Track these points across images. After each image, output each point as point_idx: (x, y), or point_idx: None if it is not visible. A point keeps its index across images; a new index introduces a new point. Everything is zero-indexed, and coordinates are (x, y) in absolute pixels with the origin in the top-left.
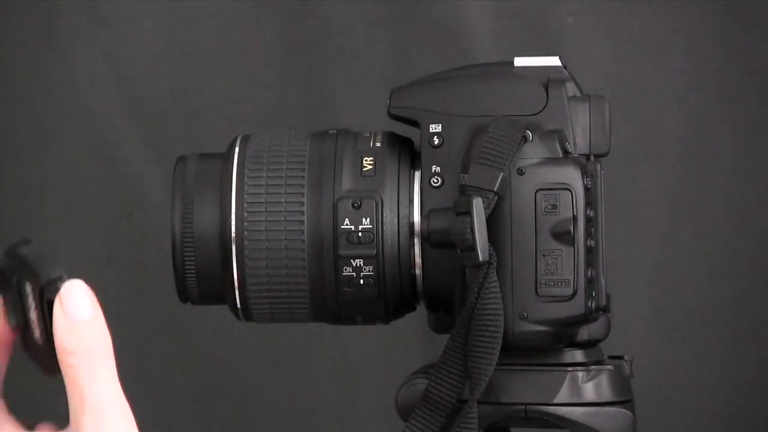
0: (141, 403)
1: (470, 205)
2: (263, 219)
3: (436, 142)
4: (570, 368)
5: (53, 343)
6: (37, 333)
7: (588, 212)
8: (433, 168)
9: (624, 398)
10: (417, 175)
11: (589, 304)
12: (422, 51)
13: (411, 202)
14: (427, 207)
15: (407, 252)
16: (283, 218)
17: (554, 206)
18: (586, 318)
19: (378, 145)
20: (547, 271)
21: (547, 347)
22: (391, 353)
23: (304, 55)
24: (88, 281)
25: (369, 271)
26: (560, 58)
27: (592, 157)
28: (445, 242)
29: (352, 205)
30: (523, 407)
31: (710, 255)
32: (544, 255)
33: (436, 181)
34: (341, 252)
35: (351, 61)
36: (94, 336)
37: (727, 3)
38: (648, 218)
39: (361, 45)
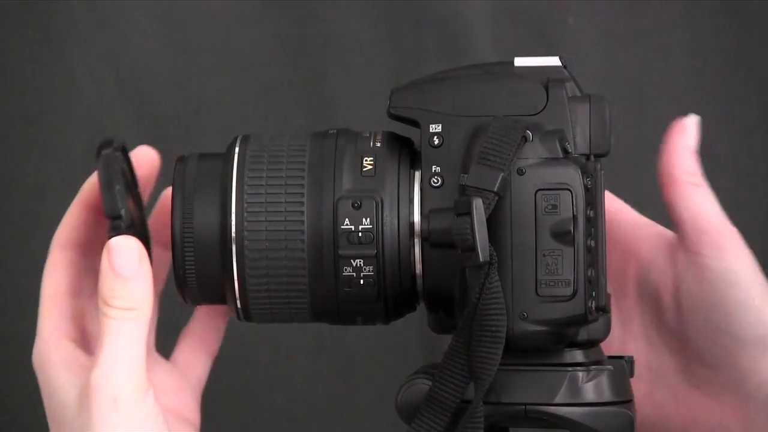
0: None
1: (470, 205)
2: (263, 219)
3: (436, 142)
4: (570, 368)
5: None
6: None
7: (588, 212)
8: (433, 168)
9: (624, 398)
10: (417, 175)
11: (589, 304)
12: (422, 51)
13: (411, 202)
14: (427, 207)
15: (407, 252)
16: (283, 218)
17: (554, 206)
18: (586, 318)
19: (378, 145)
20: (547, 271)
21: (547, 347)
22: (391, 353)
23: (304, 55)
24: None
25: (369, 271)
26: (560, 58)
27: (592, 157)
28: (445, 242)
29: (352, 205)
30: (523, 407)
31: None
32: (544, 255)
33: (436, 181)
34: (341, 252)
35: (351, 61)
36: (132, 293)
37: (727, 3)
38: (648, 218)
39: (361, 45)
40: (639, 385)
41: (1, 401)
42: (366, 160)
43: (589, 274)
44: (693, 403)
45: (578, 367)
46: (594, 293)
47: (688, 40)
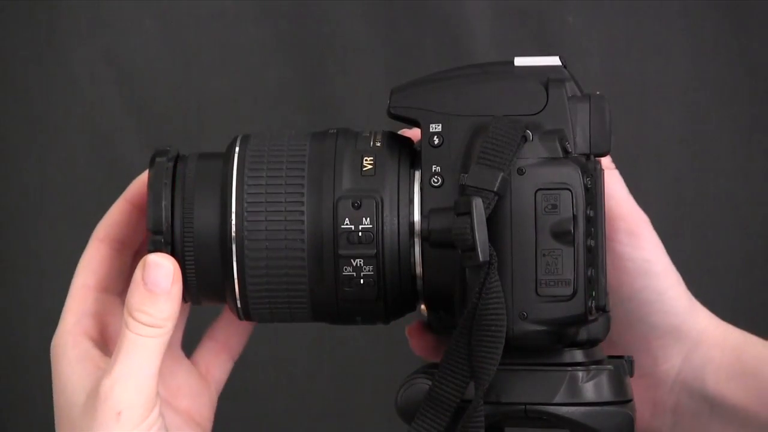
0: None
1: (470, 205)
2: (263, 219)
3: (436, 141)
4: (570, 368)
5: None
6: None
7: (588, 212)
8: (433, 168)
9: (624, 398)
10: (417, 174)
11: (589, 303)
12: (422, 51)
13: (411, 201)
14: (427, 207)
15: (407, 252)
16: (283, 218)
17: (554, 206)
18: (586, 318)
19: (378, 144)
20: (547, 271)
21: (547, 347)
22: (391, 353)
23: (304, 55)
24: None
25: (369, 271)
26: (560, 58)
27: (592, 157)
28: (445, 242)
29: (352, 204)
30: (523, 407)
31: (710, 255)
32: (544, 255)
33: (436, 180)
34: (341, 252)
35: (351, 61)
36: (159, 311)
37: (727, 3)
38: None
39: (361, 45)
40: None
41: (1, 401)
42: (366, 160)
43: (589, 273)
44: None
45: (578, 367)
46: (594, 293)
47: (688, 40)
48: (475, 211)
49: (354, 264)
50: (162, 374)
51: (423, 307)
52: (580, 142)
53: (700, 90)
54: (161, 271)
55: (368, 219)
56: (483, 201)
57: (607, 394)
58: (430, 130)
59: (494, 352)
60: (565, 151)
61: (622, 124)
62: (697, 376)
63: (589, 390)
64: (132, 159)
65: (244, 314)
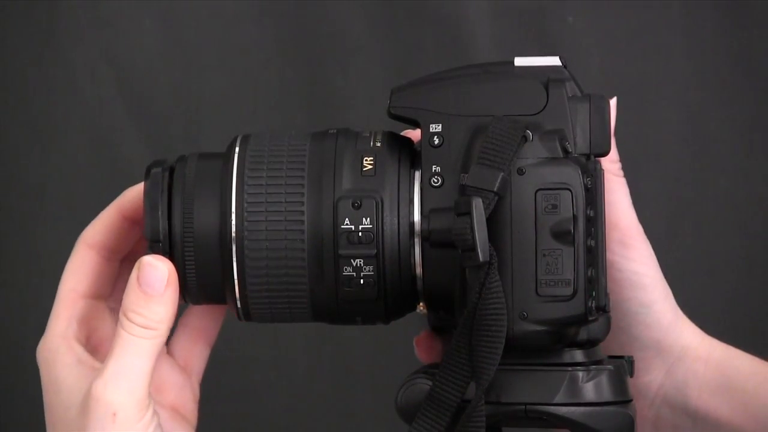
0: None
1: (470, 205)
2: (263, 219)
3: (437, 141)
4: (570, 368)
5: None
6: None
7: (588, 212)
8: (433, 168)
9: (624, 398)
10: (417, 174)
11: (589, 304)
12: (422, 51)
13: (411, 201)
14: (428, 207)
15: (407, 252)
16: (283, 218)
17: (554, 206)
18: (586, 318)
19: (378, 144)
20: (547, 271)
21: (547, 347)
22: (391, 353)
23: (304, 55)
24: None
25: (369, 271)
26: (560, 58)
27: (592, 157)
28: (445, 242)
29: (353, 204)
30: (523, 407)
31: (710, 255)
32: (544, 255)
33: (436, 180)
34: (341, 252)
35: (351, 61)
36: (152, 313)
37: (727, 3)
38: (648, 218)
39: (361, 44)
40: None
41: (1, 401)
42: (366, 160)
43: (589, 273)
44: None
45: (578, 367)
46: (594, 293)
47: (688, 40)
48: (475, 211)
49: (354, 264)
50: None
51: (421, 306)
52: (580, 142)
53: (700, 90)
54: (155, 274)
55: (368, 219)
56: (483, 201)
57: (607, 395)
58: (430, 130)
59: (495, 352)
60: (565, 151)
61: (622, 124)
62: (680, 390)
63: (590, 390)
64: (132, 159)
65: (245, 314)
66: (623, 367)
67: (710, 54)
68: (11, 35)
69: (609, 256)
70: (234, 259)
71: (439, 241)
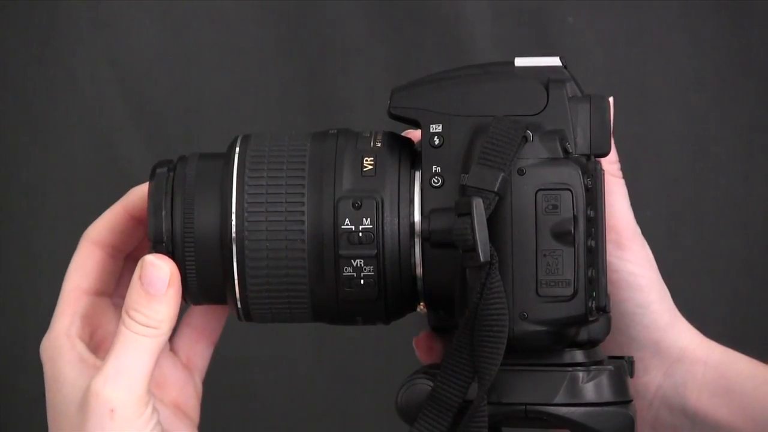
0: None
1: (471, 205)
2: (264, 219)
3: (437, 142)
4: (570, 368)
5: None
6: None
7: (588, 212)
8: (434, 168)
9: (624, 399)
10: (417, 175)
11: (590, 304)
12: (422, 51)
13: (411, 202)
14: (428, 207)
15: (408, 252)
16: (283, 218)
17: (555, 206)
18: (586, 318)
19: (378, 145)
20: (547, 271)
21: (547, 347)
22: (391, 353)
23: (304, 55)
24: None
25: (369, 271)
26: (561, 58)
27: (592, 157)
28: (445, 242)
29: (353, 205)
30: (524, 407)
31: (710, 255)
32: (544, 255)
33: (436, 181)
34: (342, 252)
35: (351, 61)
36: (154, 312)
37: (727, 3)
38: (648, 218)
39: (361, 45)
40: None
41: (1, 401)
42: (366, 160)
43: (590, 274)
44: None
45: (578, 367)
46: (594, 293)
47: (688, 40)
48: (475, 212)
49: (354, 264)
50: None
51: (421, 306)
52: (580, 143)
53: (700, 90)
54: (157, 273)
55: (368, 219)
56: (483, 201)
57: (607, 395)
58: (431, 130)
59: (496, 352)
60: (566, 152)
61: (622, 124)
62: (678, 392)
63: (590, 390)
64: (132, 159)
65: (245, 315)
66: (623, 368)
67: (710, 54)
68: (11, 35)
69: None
70: (234, 259)
71: (440, 242)
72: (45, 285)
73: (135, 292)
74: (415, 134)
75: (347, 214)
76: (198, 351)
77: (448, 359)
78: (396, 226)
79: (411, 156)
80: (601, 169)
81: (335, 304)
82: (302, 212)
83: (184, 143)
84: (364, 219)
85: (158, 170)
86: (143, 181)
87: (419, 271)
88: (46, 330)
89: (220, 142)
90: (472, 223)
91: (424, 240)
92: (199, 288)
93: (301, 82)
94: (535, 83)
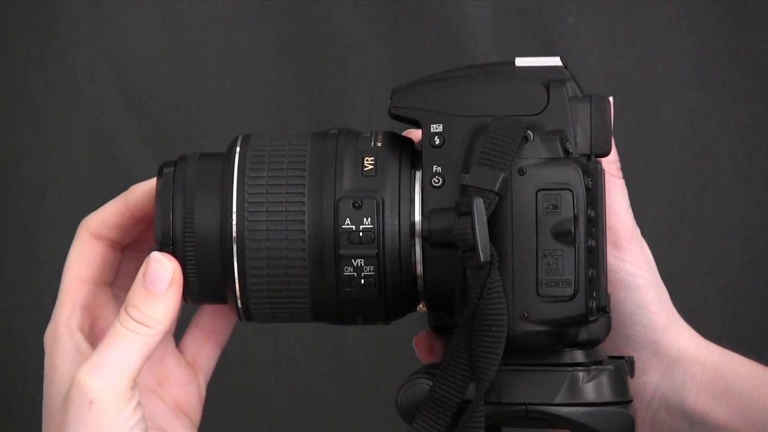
0: None
1: (471, 205)
2: (264, 219)
3: (437, 141)
4: (570, 368)
5: None
6: None
7: (589, 212)
8: (434, 168)
9: (624, 398)
10: (418, 175)
11: (590, 304)
12: (423, 51)
13: (412, 201)
14: (428, 207)
15: (408, 252)
16: (283, 218)
17: (555, 206)
18: (586, 318)
19: (379, 144)
20: (548, 271)
21: (547, 347)
22: (392, 353)
23: (305, 55)
24: None
25: (370, 271)
26: (561, 58)
27: (593, 157)
28: (446, 242)
29: (353, 204)
30: (524, 407)
31: (710, 255)
32: (545, 255)
33: (437, 181)
34: (342, 252)
35: (351, 61)
36: (151, 311)
37: (727, 3)
38: (648, 219)
39: (361, 45)
40: None
41: (1, 401)
42: (367, 160)
43: (590, 274)
44: None
45: (579, 367)
46: (595, 293)
47: (689, 40)
48: (476, 212)
49: (355, 264)
50: (150, 361)
51: (421, 305)
52: (581, 143)
53: (700, 90)
54: (160, 271)
55: (369, 219)
56: (484, 201)
57: (607, 395)
58: (431, 130)
59: (495, 352)
60: (566, 152)
61: (622, 124)
62: (677, 392)
63: (590, 390)
64: (132, 159)
65: (245, 314)
66: (624, 368)
67: (710, 54)
68: (11, 35)
69: None
70: (234, 258)
71: (440, 242)
72: (45, 285)
73: (136, 289)
74: (415, 134)
75: (348, 213)
76: (204, 352)
77: (446, 359)
78: (396, 226)
79: (411, 156)
80: (602, 169)
81: (335, 304)
82: (303, 212)
83: (185, 143)
84: (365, 219)
85: (165, 170)
86: (143, 180)
87: (419, 270)
88: (45, 329)
89: (220, 142)
90: (472, 223)
91: (425, 240)
92: (200, 287)
93: (301, 82)
94: (536, 83)
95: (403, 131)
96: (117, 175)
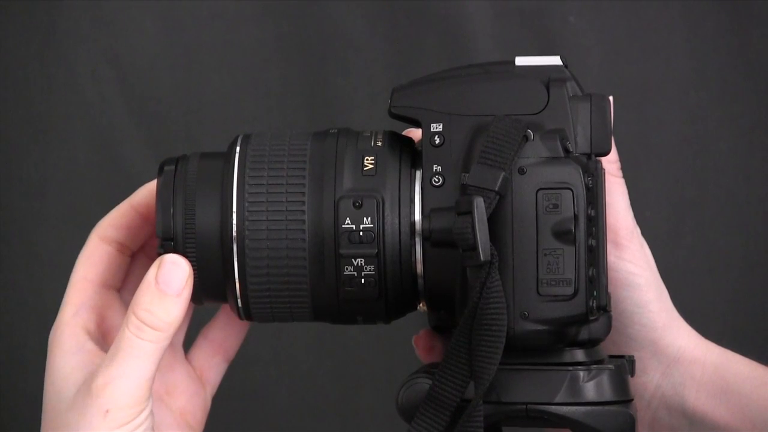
0: None
1: (471, 204)
2: (264, 218)
3: (437, 141)
4: (571, 368)
5: None
6: None
7: (589, 211)
8: (434, 167)
9: (625, 398)
10: (418, 174)
11: (590, 303)
12: (423, 50)
13: (412, 201)
14: (428, 206)
15: (408, 251)
16: (284, 217)
17: (555, 205)
18: (587, 317)
19: (379, 144)
20: (548, 271)
21: (548, 347)
22: (392, 352)
23: (305, 55)
24: None
25: (370, 271)
26: (561, 58)
27: (593, 156)
28: (446, 241)
29: (353, 204)
30: (524, 407)
31: (711, 255)
32: (545, 254)
33: (437, 180)
34: (342, 251)
35: (351, 61)
36: (165, 313)
37: (727, 3)
38: (648, 218)
39: (362, 44)
40: None
41: (1, 401)
42: (367, 160)
43: (590, 273)
44: None
45: (579, 367)
46: (595, 292)
47: (688, 40)
48: (476, 211)
49: (355, 263)
50: (160, 369)
51: (422, 305)
52: (581, 142)
53: (700, 90)
54: (177, 272)
55: (369, 218)
56: (484, 200)
57: (608, 394)
58: (431, 129)
59: (495, 351)
60: (566, 151)
61: (623, 123)
62: (677, 392)
63: (590, 390)
64: (132, 159)
65: (245, 314)
66: (624, 367)
67: (710, 54)
68: (11, 35)
69: None
70: (235, 258)
71: (440, 241)
72: (45, 284)
73: (148, 292)
74: (415, 133)
75: (348, 213)
76: (213, 365)
77: (446, 358)
78: (397, 226)
79: (411, 155)
80: (602, 168)
81: (336, 304)
82: (303, 211)
83: (185, 143)
84: (365, 218)
85: (166, 168)
86: (143, 181)
87: (420, 270)
88: (46, 330)
89: (220, 142)
90: (472, 222)
91: (425, 239)
92: (200, 287)
93: (301, 81)
94: (536, 82)
95: (403, 131)
96: (117, 175)
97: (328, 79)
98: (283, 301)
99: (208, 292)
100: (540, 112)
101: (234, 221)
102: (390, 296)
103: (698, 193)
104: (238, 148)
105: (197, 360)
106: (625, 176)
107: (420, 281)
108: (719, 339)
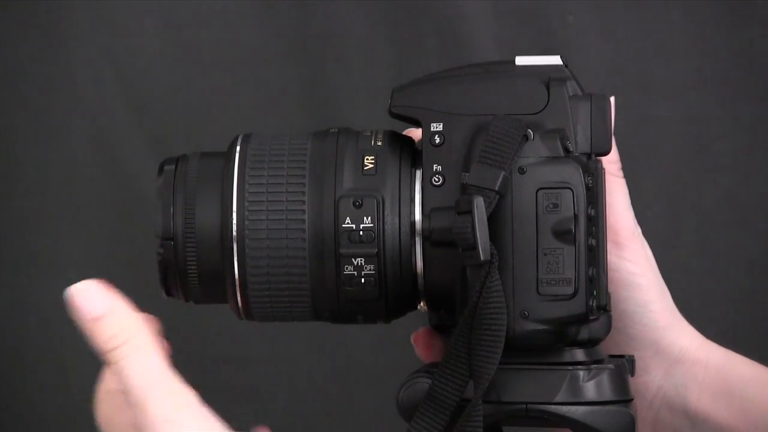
0: None
1: (471, 204)
2: (264, 218)
3: (438, 140)
4: (571, 367)
5: None
6: None
7: (589, 211)
8: (434, 167)
9: (625, 397)
10: (418, 173)
11: (590, 303)
12: (423, 50)
13: (412, 200)
14: (429, 206)
15: (408, 251)
16: (284, 217)
17: (555, 205)
18: (587, 317)
19: (379, 143)
20: (548, 270)
21: (548, 346)
22: (392, 352)
23: (305, 55)
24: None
25: (370, 270)
26: (561, 57)
27: (593, 156)
28: (446, 241)
29: (354, 203)
30: (524, 406)
31: (711, 255)
32: (545, 254)
33: (437, 179)
34: (342, 251)
35: (351, 61)
36: (118, 326)
37: (728, 3)
38: (649, 218)
39: (362, 44)
40: None
41: (1, 401)
42: (367, 159)
43: (590, 272)
44: None
45: (579, 366)
46: (595, 292)
47: (690, 39)
48: (476, 210)
49: (355, 263)
50: None
51: (422, 304)
52: (581, 142)
53: (701, 89)
54: (89, 294)
55: (369, 218)
56: (484, 200)
57: (608, 394)
58: (431, 129)
59: (494, 351)
60: (567, 150)
61: (623, 123)
62: (679, 392)
63: (591, 389)
64: (132, 158)
65: (245, 313)
66: (624, 366)
67: (711, 53)
68: (11, 35)
69: None
70: (235, 257)
71: (440, 240)
72: (45, 285)
73: (87, 331)
74: (415, 133)
75: (348, 212)
76: None
77: (446, 358)
78: (397, 225)
79: (412, 155)
80: (602, 168)
81: (336, 303)
82: (303, 211)
83: (185, 142)
84: (365, 218)
85: (166, 167)
86: (143, 180)
87: (420, 269)
88: (46, 330)
89: (220, 141)
90: (472, 222)
91: (425, 239)
92: (200, 287)
93: (301, 81)
94: (536, 82)
95: (403, 130)
96: (117, 175)
97: (328, 79)
98: (283, 301)
99: (208, 291)
100: (540, 111)
101: (234, 221)
102: (390, 296)
103: (698, 193)
104: (238, 148)
105: None
106: (625, 175)
107: (420, 281)
108: (720, 339)
